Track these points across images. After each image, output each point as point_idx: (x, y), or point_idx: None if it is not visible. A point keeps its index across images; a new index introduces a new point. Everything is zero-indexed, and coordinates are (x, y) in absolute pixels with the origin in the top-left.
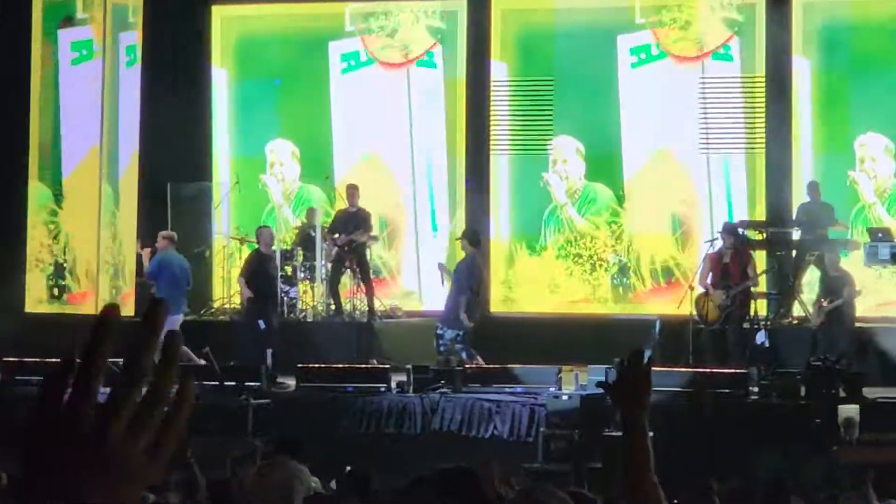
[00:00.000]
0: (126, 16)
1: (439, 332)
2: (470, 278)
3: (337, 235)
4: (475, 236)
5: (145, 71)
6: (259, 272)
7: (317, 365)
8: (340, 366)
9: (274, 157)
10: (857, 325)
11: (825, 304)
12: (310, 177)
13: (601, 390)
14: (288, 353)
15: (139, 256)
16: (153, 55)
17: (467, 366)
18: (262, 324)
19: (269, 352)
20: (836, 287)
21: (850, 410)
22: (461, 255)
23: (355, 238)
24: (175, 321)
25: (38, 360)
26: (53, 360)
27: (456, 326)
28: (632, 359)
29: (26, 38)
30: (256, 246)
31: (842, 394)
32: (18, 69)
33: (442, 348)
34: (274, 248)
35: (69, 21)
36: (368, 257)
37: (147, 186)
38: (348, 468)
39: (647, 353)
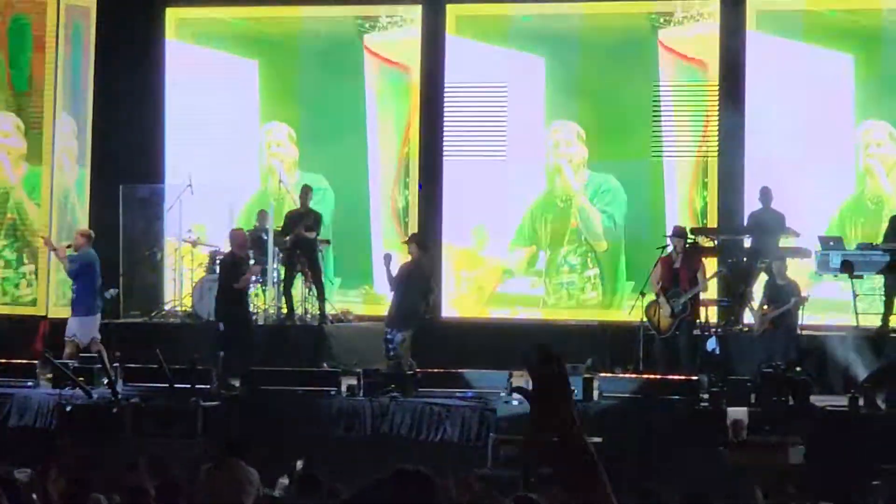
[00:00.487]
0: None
1: (388, 336)
2: (421, 281)
3: (287, 238)
4: (425, 241)
5: (99, 72)
6: (233, 275)
7: (268, 368)
8: (291, 369)
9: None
10: (801, 332)
11: (768, 310)
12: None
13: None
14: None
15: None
16: (106, 55)
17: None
18: (221, 325)
19: (221, 353)
20: (782, 295)
21: (738, 412)
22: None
23: (300, 233)
24: (97, 319)
25: None
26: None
27: (404, 328)
28: (542, 356)
29: None
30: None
31: (790, 401)
32: None
33: (391, 352)
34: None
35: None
36: (320, 260)
37: (99, 187)
38: (298, 469)
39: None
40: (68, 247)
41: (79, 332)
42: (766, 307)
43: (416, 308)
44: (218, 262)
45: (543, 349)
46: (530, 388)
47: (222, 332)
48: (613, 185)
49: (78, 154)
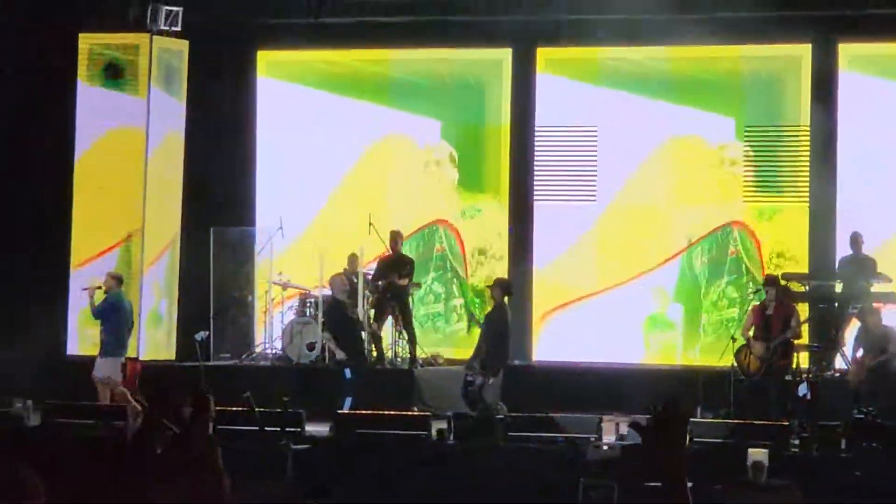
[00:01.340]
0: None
1: (469, 378)
2: (504, 327)
3: (379, 282)
4: (509, 287)
5: (190, 119)
6: (340, 320)
7: (357, 411)
8: (381, 412)
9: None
10: None
11: (866, 358)
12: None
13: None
14: (327, 399)
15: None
16: (198, 97)
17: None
18: (347, 372)
19: (349, 400)
20: (881, 344)
21: (759, 454)
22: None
23: (394, 281)
24: (119, 362)
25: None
26: (92, 402)
27: (486, 373)
28: (668, 406)
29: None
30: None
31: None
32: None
33: (468, 392)
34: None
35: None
36: (410, 304)
37: (190, 230)
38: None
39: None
40: (98, 287)
41: (112, 373)
42: (862, 355)
43: (497, 353)
44: (308, 304)
45: (673, 403)
46: (647, 426)
47: (349, 379)
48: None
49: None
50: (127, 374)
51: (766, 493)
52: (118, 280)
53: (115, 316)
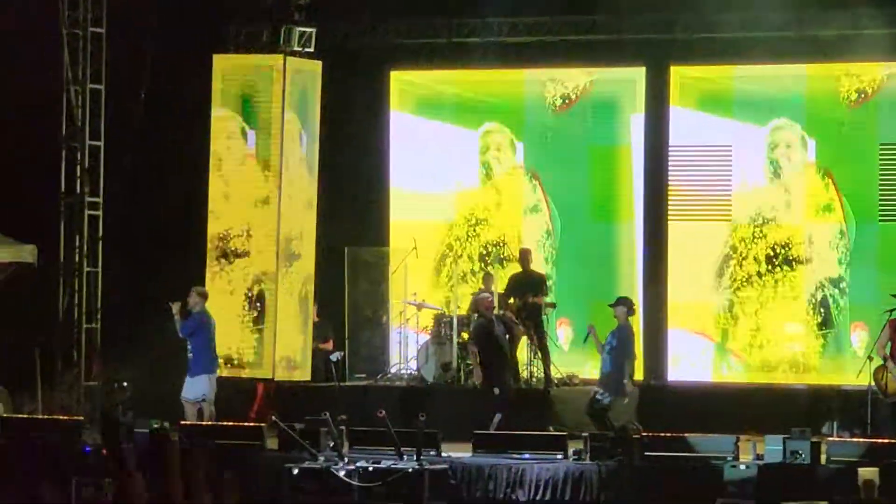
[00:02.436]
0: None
1: (598, 397)
2: (630, 346)
3: (512, 300)
4: (632, 306)
5: (323, 138)
6: (489, 339)
7: (493, 432)
8: (517, 432)
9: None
10: None
11: None
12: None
13: (779, 460)
14: (463, 420)
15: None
16: (331, 122)
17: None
18: (496, 390)
19: (499, 416)
20: None
21: (870, 473)
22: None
23: (528, 299)
24: (213, 379)
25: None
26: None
27: (616, 392)
28: None
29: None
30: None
31: None
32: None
33: (596, 406)
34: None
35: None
36: (544, 323)
37: (324, 250)
38: None
39: None
40: (184, 305)
41: (205, 392)
42: None
43: (621, 372)
44: (443, 324)
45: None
46: None
47: (497, 396)
48: None
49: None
50: (259, 394)
51: None
52: (204, 296)
53: (203, 333)
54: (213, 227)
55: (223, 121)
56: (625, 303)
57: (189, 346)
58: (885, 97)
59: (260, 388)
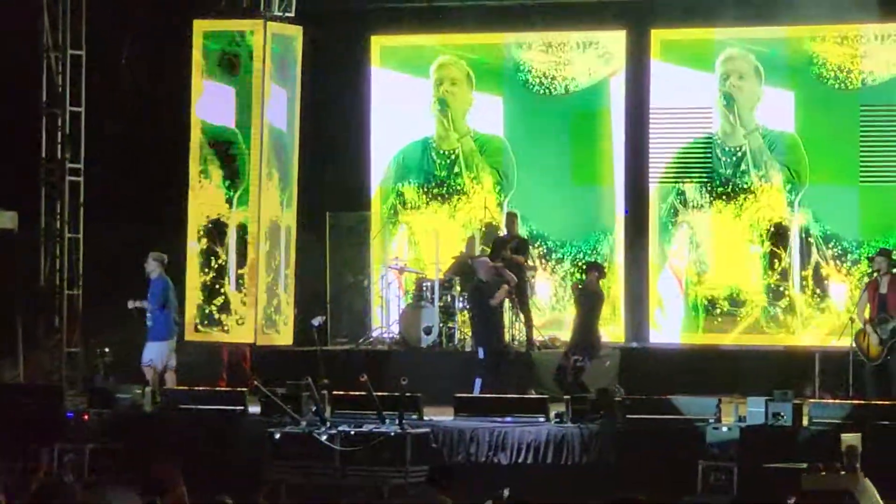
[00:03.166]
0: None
1: (579, 364)
2: (594, 310)
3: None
4: (603, 270)
5: (304, 102)
6: (480, 302)
7: (474, 395)
8: (498, 395)
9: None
10: None
11: None
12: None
13: (762, 422)
14: (445, 383)
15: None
16: (312, 82)
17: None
18: (481, 352)
19: (478, 381)
20: None
21: (853, 438)
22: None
23: (507, 257)
24: (169, 345)
25: (195, 387)
26: (209, 388)
27: (590, 356)
28: None
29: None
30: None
31: None
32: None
33: (567, 375)
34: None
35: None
36: (527, 287)
37: (305, 215)
38: (506, 497)
39: None
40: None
41: (156, 357)
42: None
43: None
44: (424, 287)
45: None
46: None
47: (480, 360)
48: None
49: (281, 181)
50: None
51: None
52: (162, 261)
53: (171, 299)
54: (194, 201)
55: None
56: (595, 268)
57: (149, 313)
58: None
59: (225, 354)
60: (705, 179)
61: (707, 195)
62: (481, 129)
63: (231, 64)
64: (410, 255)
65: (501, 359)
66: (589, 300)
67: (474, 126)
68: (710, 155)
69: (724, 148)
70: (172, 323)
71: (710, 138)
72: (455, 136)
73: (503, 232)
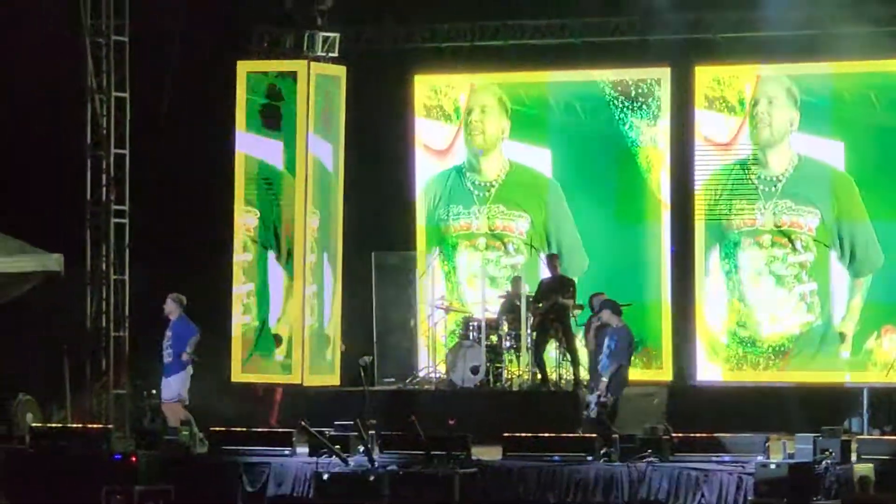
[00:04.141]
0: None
1: (602, 399)
2: (628, 348)
3: (541, 304)
4: (618, 307)
5: (349, 142)
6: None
7: (523, 434)
8: (547, 435)
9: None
10: None
11: None
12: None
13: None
14: (493, 423)
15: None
16: (356, 127)
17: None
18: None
19: None
20: None
21: (865, 469)
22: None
23: (556, 301)
24: (187, 375)
25: (244, 429)
26: (259, 429)
27: (618, 393)
28: None
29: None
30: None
31: None
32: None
33: (587, 413)
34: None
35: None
36: (573, 325)
37: (350, 255)
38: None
39: None
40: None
41: (182, 389)
42: None
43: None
44: (471, 327)
45: None
46: None
47: None
48: None
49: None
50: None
51: None
52: (181, 302)
53: (192, 336)
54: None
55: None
56: (606, 304)
57: (169, 350)
58: None
59: (278, 394)
60: (745, 212)
61: (749, 235)
62: (522, 161)
63: (273, 116)
64: (454, 294)
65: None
66: (615, 338)
67: (513, 157)
68: (750, 185)
69: (762, 177)
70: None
71: (744, 165)
72: (492, 167)
73: (545, 273)
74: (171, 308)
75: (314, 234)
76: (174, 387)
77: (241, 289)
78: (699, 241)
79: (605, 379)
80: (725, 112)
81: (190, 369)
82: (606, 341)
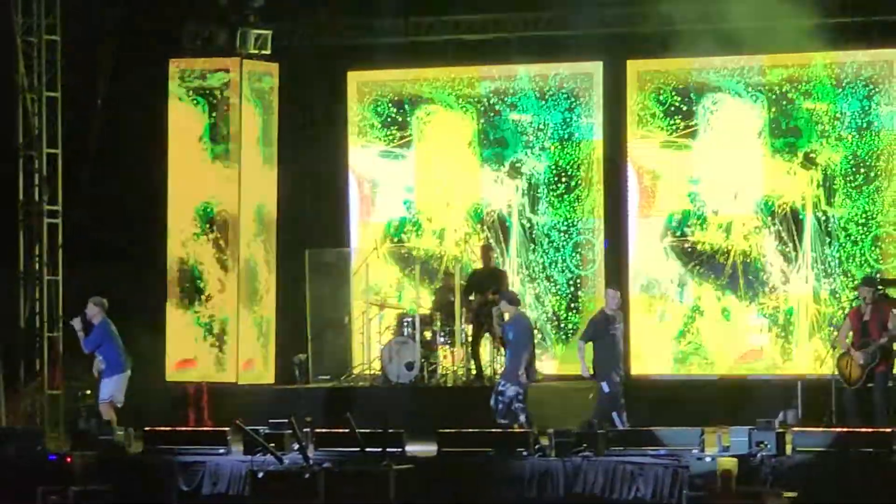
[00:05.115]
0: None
1: (501, 388)
2: (527, 336)
3: (473, 297)
4: (515, 297)
5: (281, 140)
6: (604, 333)
7: (458, 430)
8: (481, 430)
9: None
10: None
11: None
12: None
13: (746, 452)
14: (428, 418)
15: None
16: (290, 118)
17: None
18: (605, 386)
19: (616, 415)
20: None
21: (729, 463)
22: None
23: (488, 295)
24: (124, 378)
25: (177, 428)
26: (192, 428)
27: (516, 383)
28: None
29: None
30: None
31: None
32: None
33: (500, 406)
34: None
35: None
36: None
37: (285, 252)
38: None
39: None
40: (83, 318)
41: (116, 391)
42: None
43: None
44: (405, 323)
45: None
46: None
47: (606, 393)
48: None
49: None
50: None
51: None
52: (102, 306)
53: (109, 342)
54: (174, 246)
55: (180, 126)
56: (504, 295)
57: (99, 357)
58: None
59: (191, 391)
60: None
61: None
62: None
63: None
64: (389, 290)
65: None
66: (512, 328)
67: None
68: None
69: None
70: (123, 356)
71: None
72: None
73: (477, 264)
74: (94, 312)
75: (251, 229)
76: (106, 389)
77: (176, 285)
78: (633, 236)
79: (520, 372)
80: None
81: (127, 373)
82: (508, 333)
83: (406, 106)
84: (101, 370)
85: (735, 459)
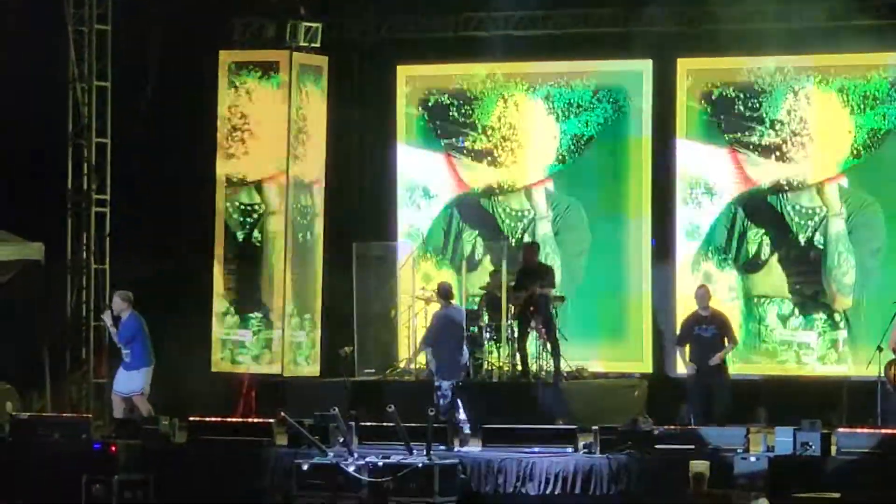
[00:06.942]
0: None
1: (437, 383)
2: (439, 331)
3: (520, 293)
4: (447, 291)
5: (330, 132)
6: (687, 334)
7: (503, 426)
8: (526, 426)
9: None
10: None
11: None
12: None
13: (789, 451)
14: (473, 414)
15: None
16: (338, 116)
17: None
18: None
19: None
20: None
21: (701, 465)
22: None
23: (535, 290)
24: (152, 371)
25: (221, 419)
26: (237, 419)
27: (449, 377)
28: None
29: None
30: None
31: None
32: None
33: (442, 400)
34: None
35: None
36: (554, 316)
37: (331, 245)
38: None
39: None
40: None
41: (146, 384)
42: None
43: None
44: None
45: None
46: None
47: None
48: None
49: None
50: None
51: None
52: (129, 300)
53: (139, 336)
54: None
55: (229, 118)
56: (439, 291)
57: (126, 350)
58: None
59: (245, 383)
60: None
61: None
62: None
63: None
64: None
65: None
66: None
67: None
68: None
69: None
70: (151, 349)
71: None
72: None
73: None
74: (122, 306)
75: (296, 225)
76: (132, 382)
77: (222, 279)
78: (680, 235)
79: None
80: None
81: (149, 368)
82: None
83: (458, 101)
84: (125, 363)
85: (707, 462)
